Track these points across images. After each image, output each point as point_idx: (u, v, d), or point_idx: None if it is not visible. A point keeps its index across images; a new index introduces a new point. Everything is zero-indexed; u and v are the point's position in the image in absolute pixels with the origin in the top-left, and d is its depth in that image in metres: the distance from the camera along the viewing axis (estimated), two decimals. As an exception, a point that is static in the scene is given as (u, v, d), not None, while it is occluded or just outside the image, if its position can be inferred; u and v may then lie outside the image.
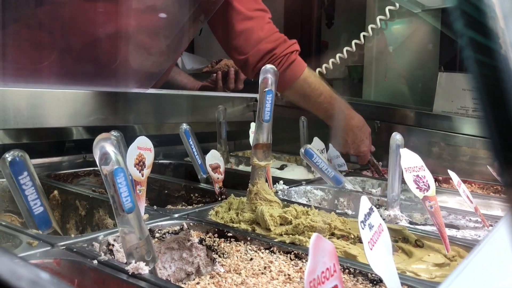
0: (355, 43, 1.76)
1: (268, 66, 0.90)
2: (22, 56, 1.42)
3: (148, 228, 0.81)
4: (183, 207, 1.14)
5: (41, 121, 1.26)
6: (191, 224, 0.85)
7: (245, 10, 1.42)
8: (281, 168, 1.57)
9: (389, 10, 1.67)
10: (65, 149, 1.48)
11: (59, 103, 1.29)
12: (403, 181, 0.89)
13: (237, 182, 1.28)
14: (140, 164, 0.88)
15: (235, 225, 0.86)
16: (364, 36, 1.75)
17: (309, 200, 1.24)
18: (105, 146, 0.60)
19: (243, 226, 0.85)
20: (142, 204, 0.90)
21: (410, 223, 1.00)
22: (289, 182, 1.27)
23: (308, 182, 1.31)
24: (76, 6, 1.43)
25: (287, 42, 1.47)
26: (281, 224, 0.85)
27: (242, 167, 1.64)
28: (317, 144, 1.47)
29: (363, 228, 0.54)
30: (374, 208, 0.59)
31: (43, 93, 1.27)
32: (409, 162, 0.80)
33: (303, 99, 1.55)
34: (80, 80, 1.45)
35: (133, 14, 1.48)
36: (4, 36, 1.39)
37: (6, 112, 1.19)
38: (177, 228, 0.82)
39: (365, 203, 0.57)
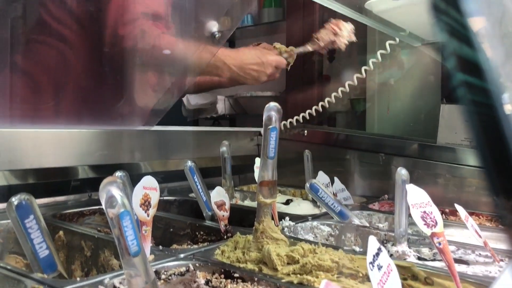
0: (357, 77, 1.77)
1: (272, 103, 0.91)
2: (28, 97, 1.44)
3: (154, 269, 0.80)
4: (189, 246, 1.13)
5: (47, 161, 1.27)
6: (197, 265, 0.84)
7: None
8: (287, 203, 1.56)
9: (389, 44, 1.70)
10: (71, 188, 1.48)
11: (65, 143, 1.30)
12: (409, 216, 0.89)
13: (243, 219, 1.27)
14: (145, 204, 0.88)
15: (241, 265, 0.85)
16: (365, 70, 1.77)
17: (316, 236, 1.23)
18: (111, 189, 0.60)
19: (250, 266, 0.84)
20: (148, 245, 0.89)
21: (419, 258, 0.99)
22: (295, 218, 1.26)
23: (314, 217, 1.30)
24: (81, 47, 1.46)
25: None
26: (288, 264, 0.84)
27: (247, 202, 1.63)
28: (322, 178, 1.47)
29: (371, 269, 0.54)
30: (383, 248, 0.59)
31: (49, 134, 1.28)
32: (416, 198, 0.79)
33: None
34: (85, 119, 1.47)
35: (138, 53, 1.51)
36: (11, 78, 1.42)
37: (13, 153, 1.20)
38: (183, 269, 0.81)
39: (373, 243, 0.57)
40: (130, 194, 0.89)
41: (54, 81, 1.48)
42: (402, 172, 0.94)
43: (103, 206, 0.61)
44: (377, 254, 0.56)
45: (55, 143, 1.29)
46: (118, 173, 0.99)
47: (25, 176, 1.30)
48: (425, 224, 0.77)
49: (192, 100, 2.75)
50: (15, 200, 0.72)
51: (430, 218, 0.78)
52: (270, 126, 0.91)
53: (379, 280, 0.54)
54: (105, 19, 1.48)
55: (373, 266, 0.54)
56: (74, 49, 1.49)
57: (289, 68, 1.85)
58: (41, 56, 1.45)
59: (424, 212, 0.78)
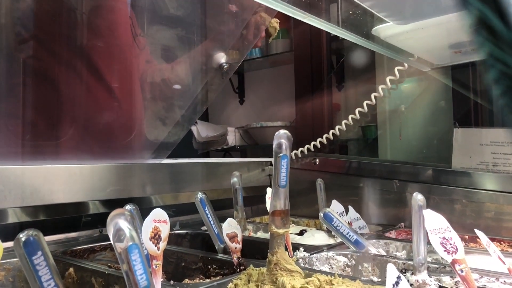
0: (367, 104, 1.77)
1: (282, 131, 0.90)
2: (39, 133, 1.45)
3: (165, 305, 0.78)
4: (201, 280, 1.10)
5: (58, 197, 1.26)
6: (209, 299, 0.81)
7: None
8: (301, 233, 1.53)
9: (398, 70, 1.69)
10: (82, 224, 1.47)
11: (75, 178, 1.30)
12: (428, 243, 0.86)
13: (256, 251, 1.24)
14: (155, 238, 0.86)
15: (255, 299, 0.82)
16: (375, 96, 1.76)
17: (332, 267, 1.19)
18: (119, 222, 0.59)
19: (264, 299, 0.81)
20: (159, 280, 0.87)
21: (440, 287, 0.95)
22: (310, 249, 1.22)
23: (330, 247, 1.27)
24: (90, 83, 1.48)
25: None
26: (304, 296, 0.81)
27: (260, 234, 1.60)
28: (336, 207, 1.44)
29: (392, 300, 0.51)
30: (402, 277, 0.56)
31: (59, 169, 1.28)
32: (434, 224, 0.76)
33: None
34: (96, 154, 1.47)
35: (148, 87, 1.52)
36: (22, 114, 1.43)
37: (24, 190, 1.20)
38: (195, 304, 0.79)
39: (392, 271, 0.54)
40: (140, 228, 0.88)
41: (65, 117, 1.49)
42: (418, 197, 0.91)
43: (111, 240, 0.60)
44: (397, 283, 0.54)
45: (66, 179, 1.29)
46: (128, 206, 0.98)
47: (36, 213, 1.29)
48: (445, 251, 0.73)
49: (203, 133, 2.75)
50: (22, 236, 0.70)
51: (450, 244, 0.75)
52: (281, 154, 0.89)
53: (400, 311, 0.51)
54: (115, 55, 1.50)
55: (393, 296, 0.51)
56: (84, 84, 1.50)
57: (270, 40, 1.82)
58: (52, 92, 1.47)
59: (444, 238, 0.75)
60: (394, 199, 1.74)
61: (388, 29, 1.21)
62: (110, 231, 0.59)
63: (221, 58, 1.32)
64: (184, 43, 1.50)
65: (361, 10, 1.24)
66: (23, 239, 0.71)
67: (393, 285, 0.52)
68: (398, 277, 0.54)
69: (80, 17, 1.44)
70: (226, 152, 2.78)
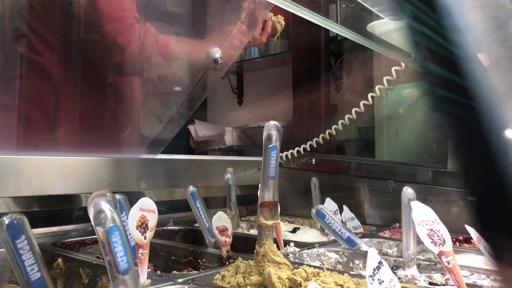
0: (364, 104, 1.76)
1: (272, 122, 0.89)
2: (34, 125, 1.45)
3: (149, 293, 0.77)
4: (189, 272, 1.09)
5: (50, 189, 1.25)
6: (194, 288, 0.81)
7: None
8: (294, 231, 1.52)
9: (395, 70, 1.68)
10: (74, 218, 1.46)
11: (68, 170, 1.29)
12: (420, 241, 0.85)
13: (247, 247, 1.23)
14: (142, 227, 0.86)
15: (241, 289, 0.81)
16: (372, 96, 1.76)
17: (323, 264, 1.18)
18: (100, 203, 0.58)
19: (250, 289, 0.81)
20: (145, 269, 0.86)
21: (430, 283, 0.94)
22: (302, 245, 1.22)
23: (322, 244, 1.26)
24: (86, 75, 1.48)
25: None
26: (290, 287, 0.80)
27: (253, 232, 1.59)
28: (329, 205, 1.44)
29: (371, 283, 0.50)
30: (384, 262, 0.55)
31: (53, 161, 1.27)
32: (421, 216, 0.76)
33: None
34: (90, 148, 1.46)
35: (143, 82, 1.52)
36: (18, 105, 1.43)
37: (16, 180, 1.19)
38: (179, 293, 0.78)
39: (373, 256, 0.53)
40: (127, 218, 0.87)
41: (61, 110, 1.49)
42: (408, 191, 0.90)
43: (92, 223, 0.59)
44: (378, 268, 0.53)
45: (58, 170, 1.28)
46: (117, 196, 0.97)
47: (28, 204, 1.29)
48: (432, 242, 0.73)
49: (200, 132, 2.75)
50: (6, 219, 0.70)
51: (438, 236, 0.74)
52: (270, 145, 0.89)
53: (380, 295, 0.51)
54: (111, 49, 1.50)
55: (373, 280, 0.51)
56: (80, 78, 1.50)
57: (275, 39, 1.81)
58: (48, 85, 1.47)
59: (431, 230, 0.74)
60: (390, 200, 1.73)
61: (383, 26, 1.21)
62: (91, 213, 0.58)
63: (216, 53, 1.32)
64: (179, 38, 1.50)
65: (357, 6, 1.24)
66: (6, 222, 0.70)
67: (374, 269, 0.52)
68: (380, 262, 0.53)
69: (77, 10, 1.44)
70: (223, 152, 2.78)
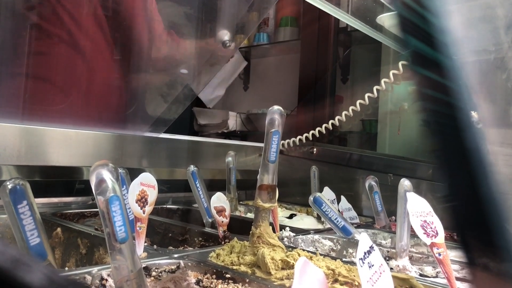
0: (368, 96, 1.76)
1: (276, 107, 0.90)
2: (41, 97, 1.46)
3: (145, 265, 0.79)
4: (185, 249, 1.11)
5: (52, 159, 1.27)
6: (189, 264, 0.82)
7: None
8: (290, 217, 1.54)
9: (402, 64, 1.68)
10: (75, 190, 1.48)
11: (71, 142, 1.31)
12: (414, 234, 0.86)
13: (244, 230, 1.24)
14: (142, 201, 0.87)
15: (234, 267, 0.83)
16: (377, 89, 1.76)
17: (317, 250, 1.20)
18: (102, 172, 0.59)
19: (243, 268, 0.82)
20: (142, 243, 0.88)
21: (420, 275, 0.95)
22: (297, 231, 1.23)
23: (317, 231, 1.27)
24: (96, 52, 1.49)
25: None
26: (282, 268, 0.82)
27: (250, 215, 1.61)
28: (327, 193, 1.45)
29: (361, 266, 0.52)
30: (376, 247, 0.56)
31: (56, 132, 1.29)
32: (416, 207, 0.77)
33: None
34: (94, 122, 1.48)
35: (151, 60, 1.53)
36: (26, 78, 1.44)
37: (19, 149, 1.21)
38: (174, 267, 0.80)
39: (365, 240, 0.55)
40: (127, 192, 0.89)
41: (67, 83, 1.50)
42: (405, 183, 0.91)
43: (93, 191, 0.61)
44: (369, 252, 0.54)
45: (61, 142, 1.30)
46: (119, 170, 0.98)
47: (30, 173, 1.30)
48: (424, 233, 0.74)
49: (204, 115, 2.77)
50: (9, 184, 0.71)
51: (431, 228, 0.75)
52: (273, 130, 0.90)
53: (369, 278, 0.52)
54: (120, 27, 1.51)
55: (363, 262, 0.52)
56: (88, 54, 1.51)
57: None
58: (56, 58, 1.48)
59: (425, 221, 0.76)
60: (389, 194, 1.74)
61: (392, 18, 1.20)
62: (92, 181, 0.60)
63: (225, 35, 1.32)
64: (188, 19, 1.50)
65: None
66: (9, 186, 0.72)
67: (365, 253, 0.53)
68: (371, 247, 0.55)
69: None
70: (226, 136, 2.79)
